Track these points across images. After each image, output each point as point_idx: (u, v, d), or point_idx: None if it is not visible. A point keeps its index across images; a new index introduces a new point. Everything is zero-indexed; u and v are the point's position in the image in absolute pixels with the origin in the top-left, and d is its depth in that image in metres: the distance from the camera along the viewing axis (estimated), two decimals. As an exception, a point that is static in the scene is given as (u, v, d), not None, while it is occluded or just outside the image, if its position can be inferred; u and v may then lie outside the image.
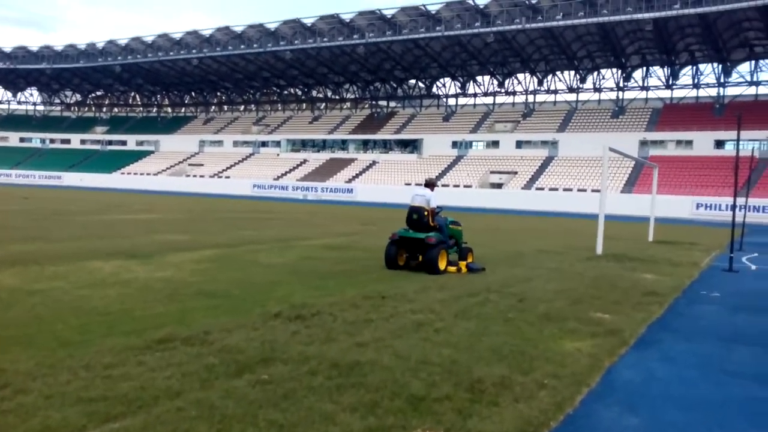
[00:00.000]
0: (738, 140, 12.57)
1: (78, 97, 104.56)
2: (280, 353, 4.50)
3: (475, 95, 76.46)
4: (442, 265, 10.01)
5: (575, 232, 22.89)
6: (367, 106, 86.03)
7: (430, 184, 10.84)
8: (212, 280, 7.94)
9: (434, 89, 79.82)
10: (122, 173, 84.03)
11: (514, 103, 74.00)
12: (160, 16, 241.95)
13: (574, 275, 9.77)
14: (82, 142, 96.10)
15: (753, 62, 61.14)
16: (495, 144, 67.54)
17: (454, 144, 69.47)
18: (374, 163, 71.41)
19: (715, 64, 62.62)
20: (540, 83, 71.31)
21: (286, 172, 74.40)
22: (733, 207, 12.58)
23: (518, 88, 73.08)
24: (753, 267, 13.10)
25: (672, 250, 16.08)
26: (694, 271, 11.45)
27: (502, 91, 73.96)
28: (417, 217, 10.30)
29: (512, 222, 28.84)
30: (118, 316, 5.65)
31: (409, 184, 63.83)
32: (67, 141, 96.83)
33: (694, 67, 64.06)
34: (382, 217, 28.42)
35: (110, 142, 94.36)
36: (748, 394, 4.25)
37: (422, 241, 10.03)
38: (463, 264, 10.50)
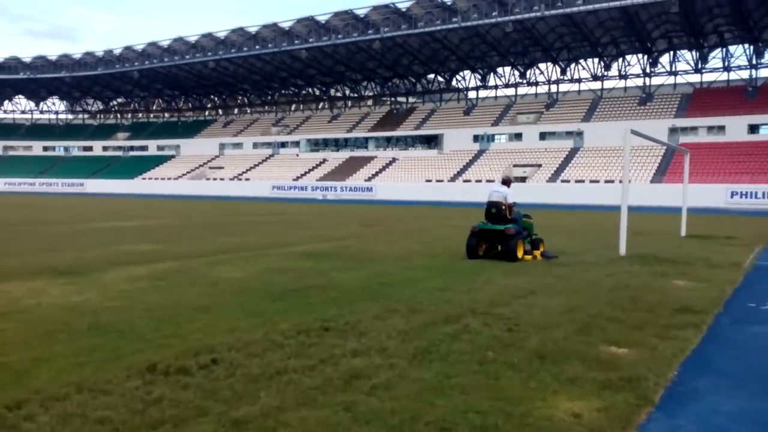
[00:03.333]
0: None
1: (99, 104, 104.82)
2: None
3: (496, 87, 74.32)
4: (519, 253, 11.03)
5: (600, 227, 20.96)
6: (386, 102, 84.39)
7: (507, 182, 12.00)
8: (129, 306, 6.40)
9: (454, 83, 77.86)
10: (143, 179, 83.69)
11: (536, 94, 71.66)
12: (180, 20, 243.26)
13: (587, 285, 7.96)
14: (104, 148, 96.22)
15: (788, 41, 58.00)
16: (518, 136, 65.36)
17: (476, 138, 67.45)
18: (394, 160, 69.77)
19: (746, 45, 59.58)
20: (563, 72, 68.83)
21: (306, 173, 73.19)
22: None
23: (540, 78, 70.77)
24: (807, 266, 11.11)
25: (708, 246, 14.13)
26: (737, 274, 9.52)
27: (524, 81, 71.68)
28: (495, 210, 11.38)
29: (534, 217, 26.86)
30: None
31: (429, 181, 62.13)
32: (90, 148, 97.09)
33: (724, 49, 61.03)
34: (391, 216, 26.73)
35: (132, 148, 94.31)
36: None
37: (502, 232, 11.05)
38: (537, 252, 11.49)
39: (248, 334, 5.10)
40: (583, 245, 14.03)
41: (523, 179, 58.52)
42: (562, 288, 7.78)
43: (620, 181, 49.89)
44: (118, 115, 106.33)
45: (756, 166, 48.60)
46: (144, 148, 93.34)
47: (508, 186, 11.82)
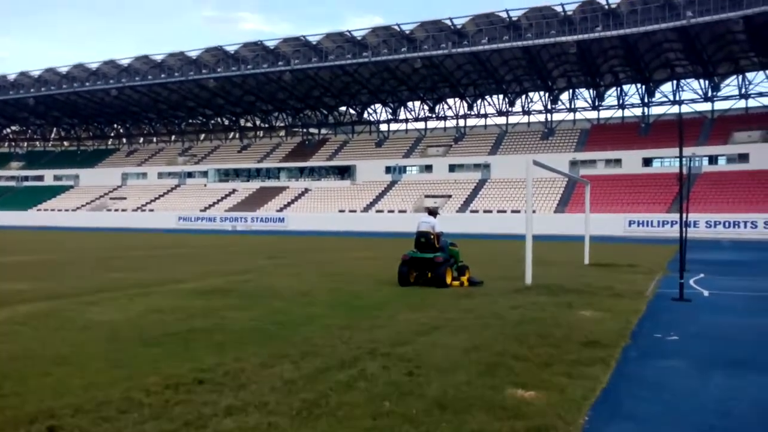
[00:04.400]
0: (681, 148, 10.83)
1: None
2: None
3: (407, 120, 75.46)
4: (448, 279, 11.69)
5: (507, 256, 21.08)
6: (298, 133, 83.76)
7: (434, 213, 13.02)
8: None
9: (366, 115, 78.42)
10: (38, 210, 78.73)
11: (445, 128, 73.32)
12: (83, 48, 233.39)
13: (493, 319, 7.60)
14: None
15: (675, 82, 62.31)
16: (428, 168, 66.38)
17: (388, 169, 67.93)
18: (307, 190, 69.04)
19: (639, 85, 63.58)
20: (470, 107, 70.86)
21: (214, 203, 71.06)
22: (681, 223, 10.76)
23: (449, 113, 72.63)
24: (705, 293, 11.30)
25: (611, 274, 14.33)
26: (641, 303, 9.50)
27: (433, 116, 73.22)
28: (425, 240, 12.07)
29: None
30: None
31: (342, 211, 61.74)
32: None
33: (619, 88, 64.87)
34: (300, 248, 25.96)
35: (26, 178, 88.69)
36: None
37: (431, 260, 11.73)
38: (464, 279, 12.16)
39: (105, 392, 4.31)
40: (491, 275, 13.88)
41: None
42: (467, 323, 7.38)
43: (525, 211, 51.07)
44: (12, 144, 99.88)
45: (650, 197, 51.39)
46: (40, 178, 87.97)
47: (435, 216, 12.68)
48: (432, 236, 12.05)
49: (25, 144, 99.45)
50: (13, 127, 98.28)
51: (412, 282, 11.89)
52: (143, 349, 5.88)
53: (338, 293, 10.40)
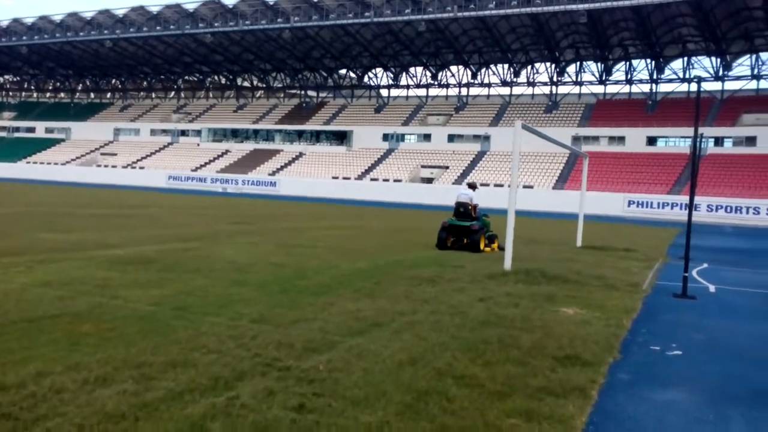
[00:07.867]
0: (696, 127, 9.16)
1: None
2: None
3: (407, 87, 73.27)
4: (481, 245, 13.18)
5: (498, 232, 19.54)
6: (296, 95, 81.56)
7: (473, 186, 14.22)
8: None
9: (366, 79, 76.15)
10: (28, 162, 77.10)
11: (447, 96, 71.20)
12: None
13: (451, 316, 6.06)
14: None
15: (686, 59, 60.05)
16: (427, 137, 64.52)
17: (386, 137, 66.07)
18: (301, 154, 67.26)
19: (649, 60, 61.32)
20: (474, 76, 68.60)
21: (206, 163, 69.36)
22: (691, 206, 9.06)
23: (452, 81, 70.28)
24: (711, 288, 9.76)
25: (604, 260, 12.81)
26: (636, 299, 7.94)
27: (435, 83, 71.00)
28: (463, 210, 13.46)
29: (435, 219, 25.31)
30: None
31: (336, 178, 60.11)
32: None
33: (628, 63, 62.67)
34: (278, 213, 24.37)
35: (17, 129, 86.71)
36: None
37: (468, 228, 13.18)
38: (494, 246, 13.78)
39: None
40: (468, 256, 12.37)
41: (430, 180, 57.58)
42: (418, 318, 5.85)
43: (525, 186, 49.64)
44: (5, 93, 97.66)
45: (652, 177, 49.76)
46: (31, 129, 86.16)
47: (474, 190, 13.98)
48: (470, 207, 13.45)
49: (19, 94, 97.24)
50: (7, 77, 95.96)
51: (449, 246, 13.29)
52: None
53: (284, 269, 8.86)
